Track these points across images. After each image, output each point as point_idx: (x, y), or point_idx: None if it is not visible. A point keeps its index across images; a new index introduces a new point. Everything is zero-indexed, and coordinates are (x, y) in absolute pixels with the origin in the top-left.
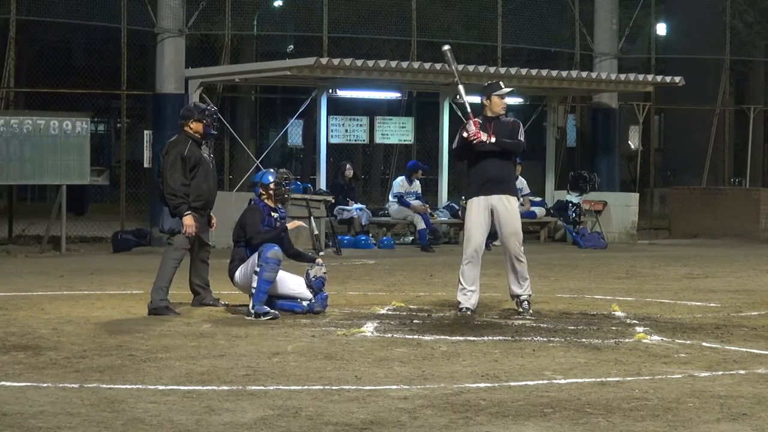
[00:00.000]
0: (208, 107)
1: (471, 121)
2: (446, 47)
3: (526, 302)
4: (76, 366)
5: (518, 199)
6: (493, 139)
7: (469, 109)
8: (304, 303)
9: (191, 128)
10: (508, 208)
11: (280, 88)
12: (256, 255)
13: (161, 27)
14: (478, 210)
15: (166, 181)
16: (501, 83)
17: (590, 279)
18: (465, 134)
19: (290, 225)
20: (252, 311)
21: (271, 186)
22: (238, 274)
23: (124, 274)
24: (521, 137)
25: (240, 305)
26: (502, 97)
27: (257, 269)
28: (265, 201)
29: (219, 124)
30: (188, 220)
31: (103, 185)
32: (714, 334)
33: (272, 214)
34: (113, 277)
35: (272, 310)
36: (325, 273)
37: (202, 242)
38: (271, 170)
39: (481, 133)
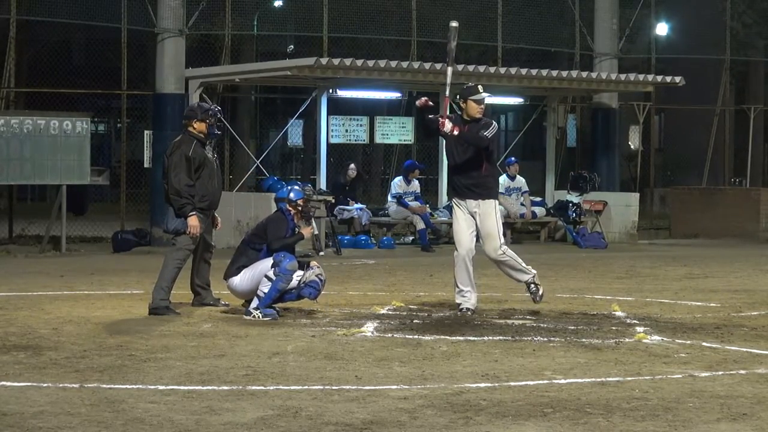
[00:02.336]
0: (211, 107)
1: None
2: (454, 23)
3: (533, 285)
4: (76, 366)
5: (519, 198)
6: (456, 132)
7: (447, 94)
8: (293, 291)
9: (195, 128)
10: (481, 214)
11: (280, 88)
12: (267, 262)
13: (161, 27)
14: (462, 214)
15: (171, 182)
16: (479, 87)
17: (590, 279)
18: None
19: (306, 232)
20: (254, 312)
21: (300, 203)
22: (238, 280)
23: (124, 274)
24: (488, 134)
25: (240, 306)
26: (478, 102)
27: (273, 277)
28: (292, 214)
29: (221, 123)
30: (193, 221)
31: (104, 185)
32: (714, 334)
33: (296, 229)
34: (113, 277)
35: (273, 311)
36: (318, 276)
37: (206, 243)
38: (296, 187)
39: (447, 122)
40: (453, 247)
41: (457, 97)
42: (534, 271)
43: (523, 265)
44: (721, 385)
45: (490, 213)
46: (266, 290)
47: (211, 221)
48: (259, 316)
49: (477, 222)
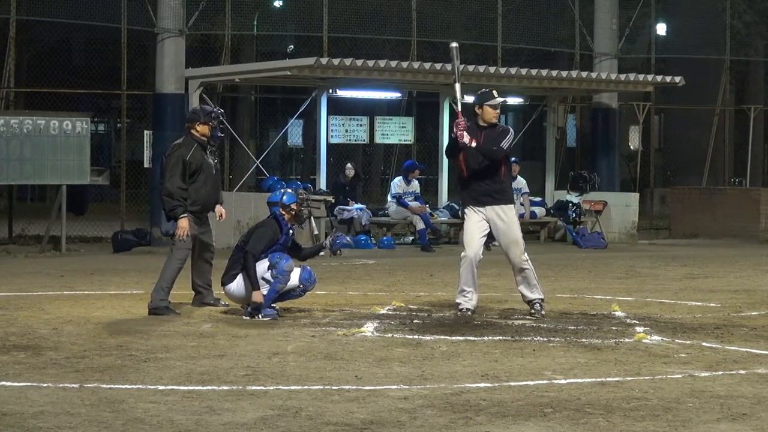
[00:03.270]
0: (214, 110)
1: (458, 120)
2: (454, 44)
3: (538, 304)
4: (76, 366)
5: (518, 198)
6: (474, 144)
7: (458, 108)
8: (298, 290)
9: (197, 131)
10: (504, 219)
11: (280, 88)
12: (263, 265)
13: (161, 27)
14: (477, 219)
15: (164, 184)
16: (494, 92)
17: (590, 279)
18: (453, 133)
19: (256, 296)
20: (254, 313)
21: (293, 207)
22: (235, 285)
23: (124, 274)
24: (505, 144)
25: (240, 307)
26: (494, 107)
27: (270, 279)
28: (286, 219)
29: (223, 126)
30: (183, 223)
31: (103, 185)
32: (714, 334)
33: (290, 232)
34: (113, 277)
35: (273, 311)
36: (339, 235)
37: (206, 243)
38: (289, 190)
39: (465, 134)
40: (452, 247)
41: (462, 97)
42: (543, 295)
43: (537, 282)
44: (721, 385)
45: (513, 220)
46: (265, 292)
47: (206, 221)
48: (258, 317)
49: (497, 228)
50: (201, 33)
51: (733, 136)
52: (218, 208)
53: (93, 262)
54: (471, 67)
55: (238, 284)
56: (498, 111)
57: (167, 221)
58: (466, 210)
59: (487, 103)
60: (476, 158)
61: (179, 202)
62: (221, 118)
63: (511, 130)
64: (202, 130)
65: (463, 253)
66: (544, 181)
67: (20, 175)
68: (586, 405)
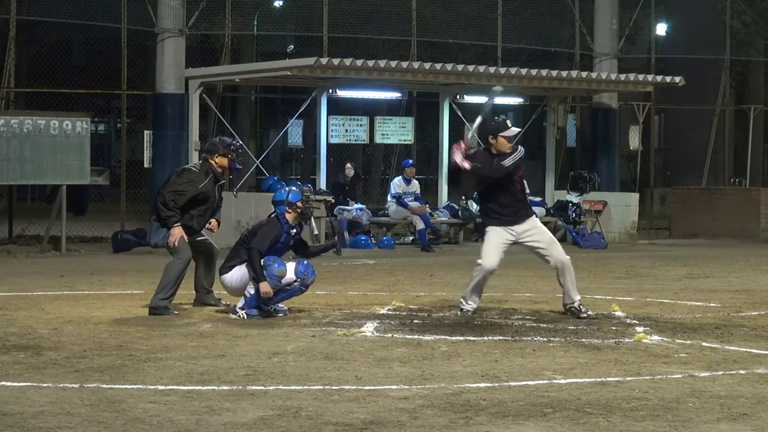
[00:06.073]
0: (233, 142)
1: (458, 142)
2: (498, 88)
3: (581, 305)
4: (76, 366)
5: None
6: (467, 165)
7: (469, 135)
8: (296, 284)
9: (216, 162)
10: (531, 230)
11: (280, 88)
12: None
13: (161, 27)
14: (499, 236)
15: (164, 192)
16: (508, 122)
17: (590, 279)
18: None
19: (264, 288)
20: (240, 312)
21: (299, 205)
22: (229, 276)
23: (124, 274)
24: (507, 161)
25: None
26: (509, 139)
27: None
28: (288, 218)
29: (242, 158)
30: (176, 231)
31: (103, 185)
32: (714, 334)
33: (291, 231)
34: (113, 277)
35: (257, 312)
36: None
37: (210, 246)
38: (294, 188)
39: (458, 153)
40: (453, 247)
41: (471, 130)
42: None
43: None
44: (721, 385)
45: (539, 225)
46: (252, 292)
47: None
48: (244, 316)
49: (531, 239)
50: (201, 33)
51: (733, 136)
52: (211, 220)
53: (93, 262)
54: (471, 67)
55: (232, 276)
56: (512, 143)
57: (160, 227)
58: (489, 228)
59: (502, 134)
60: (487, 180)
61: (174, 213)
62: (240, 149)
63: (521, 148)
64: (220, 161)
65: (479, 261)
66: (544, 181)
67: (20, 175)
68: (586, 405)
